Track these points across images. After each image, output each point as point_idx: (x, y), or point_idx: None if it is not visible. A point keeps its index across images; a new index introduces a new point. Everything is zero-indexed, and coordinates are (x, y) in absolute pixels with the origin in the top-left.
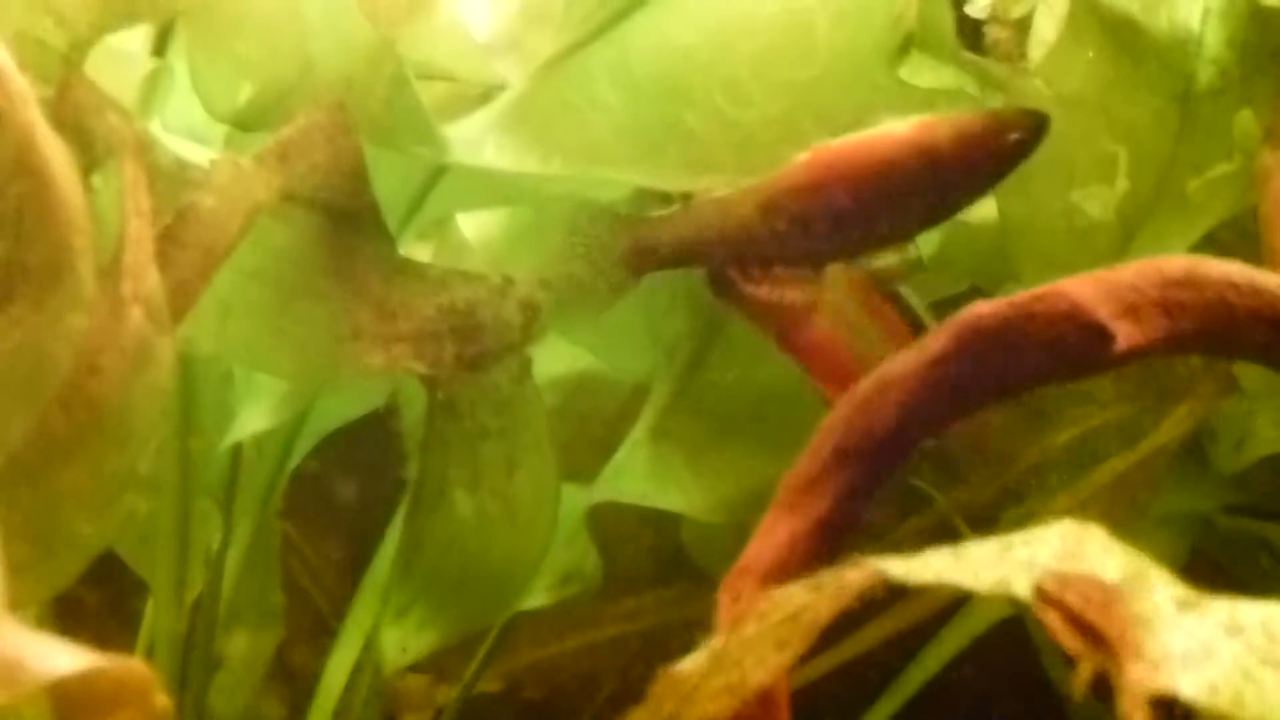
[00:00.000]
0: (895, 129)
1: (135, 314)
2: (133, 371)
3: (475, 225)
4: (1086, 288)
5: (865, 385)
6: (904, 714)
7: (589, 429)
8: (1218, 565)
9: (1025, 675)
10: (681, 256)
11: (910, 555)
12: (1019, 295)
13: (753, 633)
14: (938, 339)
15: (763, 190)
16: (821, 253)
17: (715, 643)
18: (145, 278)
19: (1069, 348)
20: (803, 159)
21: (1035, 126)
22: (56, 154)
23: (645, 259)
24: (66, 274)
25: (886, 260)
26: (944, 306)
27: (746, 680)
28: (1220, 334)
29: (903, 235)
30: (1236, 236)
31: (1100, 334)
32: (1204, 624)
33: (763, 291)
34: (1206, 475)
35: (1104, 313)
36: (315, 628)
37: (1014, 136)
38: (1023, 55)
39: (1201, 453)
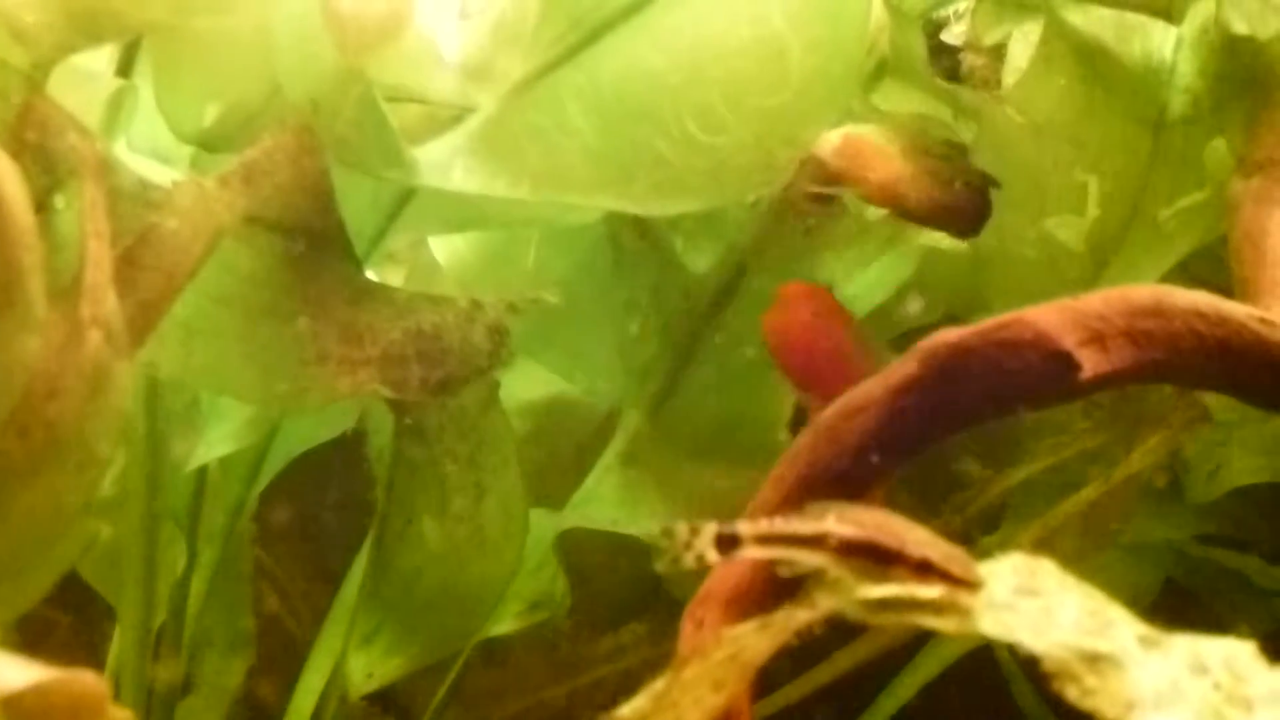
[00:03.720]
0: None
1: (94, 337)
2: (91, 395)
3: (447, 249)
4: (1052, 315)
5: (830, 413)
6: None
7: (559, 454)
8: (1189, 594)
9: (995, 704)
10: None
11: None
12: (984, 323)
13: (691, 674)
14: (903, 367)
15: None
16: None
17: (656, 685)
18: (104, 300)
19: (1034, 375)
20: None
21: None
22: (5, 172)
23: None
24: (16, 294)
25: None
26: (918, 335)
27: None
28: (1187, 364)
29: None
30: (1209, 266)
31: (1066, 362)
32: (1169, 663)
33: None
34: (1180, 505)
35: (1069, 341)
36: (286, 655)
37: None
38: (999, 83)
39: (1175, 482)
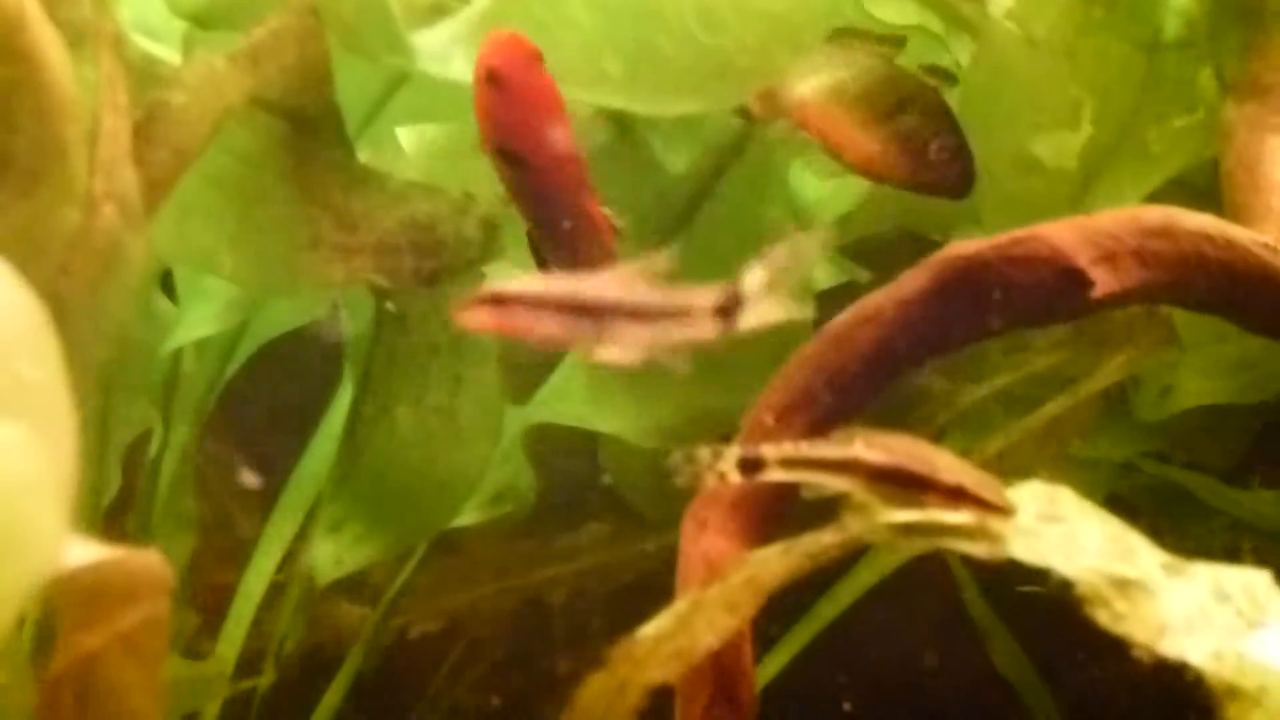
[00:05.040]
0: None
1: (108, 211)
2: (103, 271)
3: (414, 134)
4: (1066, 233)
5: (842, 319)
6: (818, 644)
7: (520, 347)
8: (1133, 510)
9: (945, 614)
10: None
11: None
12: (999, 238)
13: (708, 596)
14: (917, 277)
15: None
16: None
17: (678, 606)
18: (120, 175)
19: (1047, 292)
20: None
21: None
22: (49, 41)
23: None
24: (57, 165)
25: None
26: (868, 245)
27: (696, 645)
28: (1193, 286)
29: None
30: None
31: (1078, 279)
32: (1194, 589)
33: None
34: (1127, 422)
35: (1082, 259)
36: (229, 539)
37: None
38: None
39: (1123, 399)
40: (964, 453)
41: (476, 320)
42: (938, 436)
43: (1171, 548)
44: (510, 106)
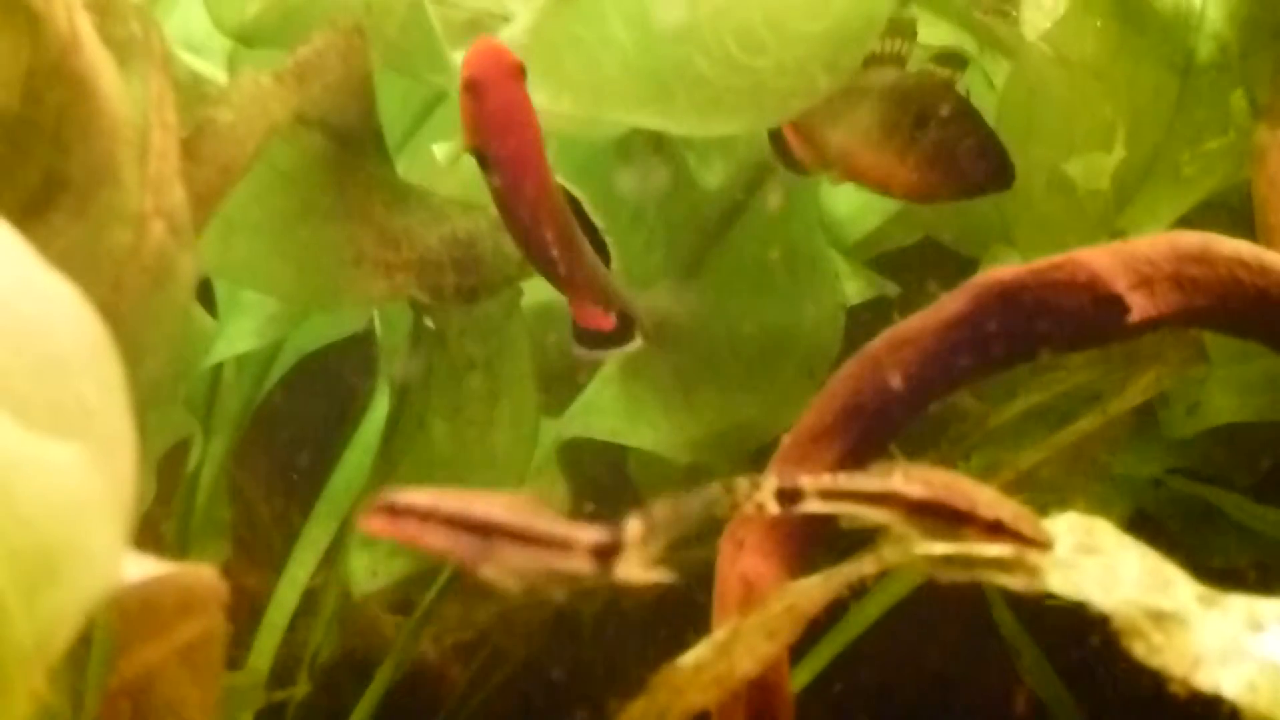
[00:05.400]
0: None
1: (157, 228)
2: (153, 287)
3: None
4: (1104, 258)
5: (878, 343)
6: (845, 657)
7: (550, 361)
8: (1159, 526)
9: (972, 627)
10: None
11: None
12: (1036, 263)
13: (749, 624)
14: (955, 301)
15: None
16: None
17: (716, 633)
18: (169, 192)
19: (1085, 316)
20: None
21: None
22: (101, 62)
23: None
24: (109, 184)
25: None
26: (894, 257)
27: (734, 670)
28: (1228, 311)
29: None
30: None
31: (1116, 304)
32: (1229, 621)
33: None
34: (1154, 438)
35: (1120, 284)
36: (262, 549)
37: None
38: (1004, 14)
39: (1151, 416)
40: (993, 468)
41: (373, 525)
42: (968, 453)
43: (1201, 564)
44: (485, 115)
